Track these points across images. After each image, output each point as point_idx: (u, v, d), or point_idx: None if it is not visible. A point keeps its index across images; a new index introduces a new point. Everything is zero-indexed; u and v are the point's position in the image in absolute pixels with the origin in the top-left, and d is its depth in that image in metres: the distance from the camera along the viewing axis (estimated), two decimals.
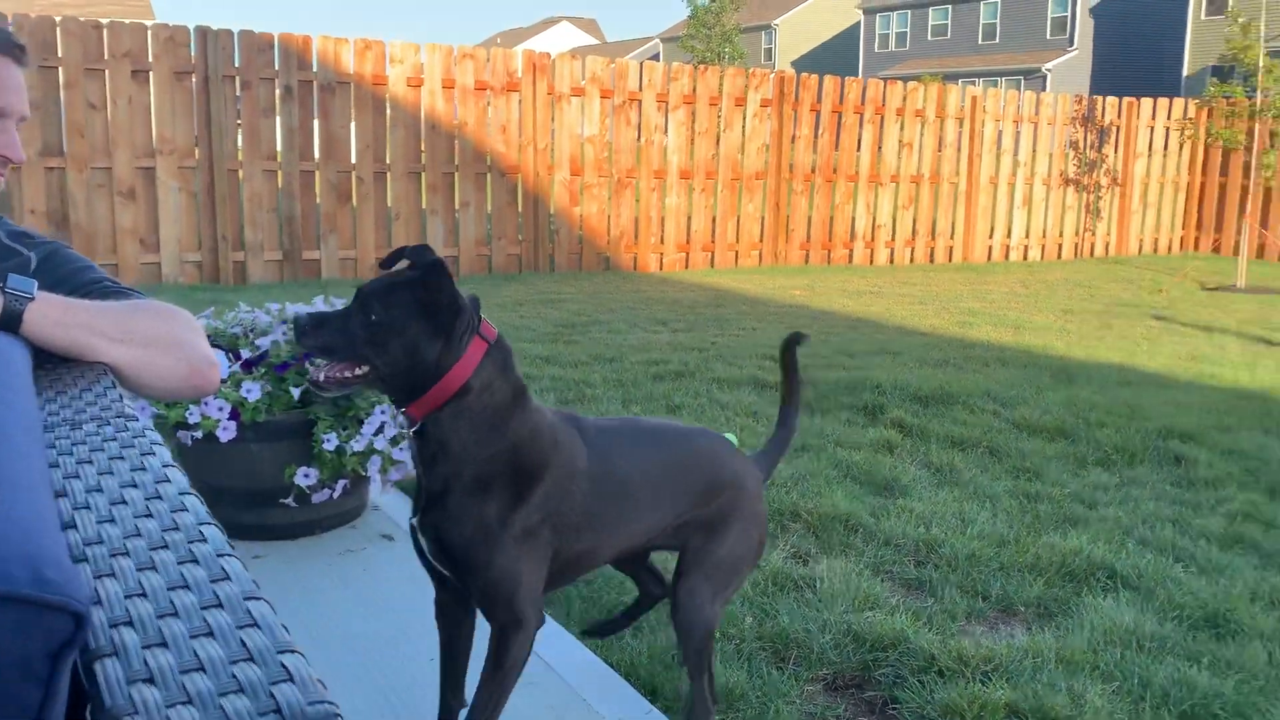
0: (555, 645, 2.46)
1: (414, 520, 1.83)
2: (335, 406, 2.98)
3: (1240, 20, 10.09)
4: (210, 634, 1.13)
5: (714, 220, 10.43)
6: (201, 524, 1.50)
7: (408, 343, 1.70)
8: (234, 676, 1.06)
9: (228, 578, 1.32)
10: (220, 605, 1.22)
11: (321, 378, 1.74)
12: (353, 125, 8.78)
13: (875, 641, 2.52)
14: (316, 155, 8.64)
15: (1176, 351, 6.53)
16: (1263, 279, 10.40)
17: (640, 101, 9.85)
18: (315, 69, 8.51)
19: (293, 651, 1.12)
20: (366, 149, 8.79)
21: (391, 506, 3.40)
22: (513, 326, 6.67)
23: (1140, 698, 2.33)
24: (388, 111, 8.83)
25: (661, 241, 10.16)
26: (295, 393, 2.94)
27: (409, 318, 1.71)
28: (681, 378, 5.32)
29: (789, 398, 2.27)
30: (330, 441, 2.92)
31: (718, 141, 10.27)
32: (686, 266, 10.26)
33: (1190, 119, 12.31)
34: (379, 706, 2.23)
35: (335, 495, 3.07)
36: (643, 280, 9.41)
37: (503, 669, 1.79)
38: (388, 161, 8.88)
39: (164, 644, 1.12)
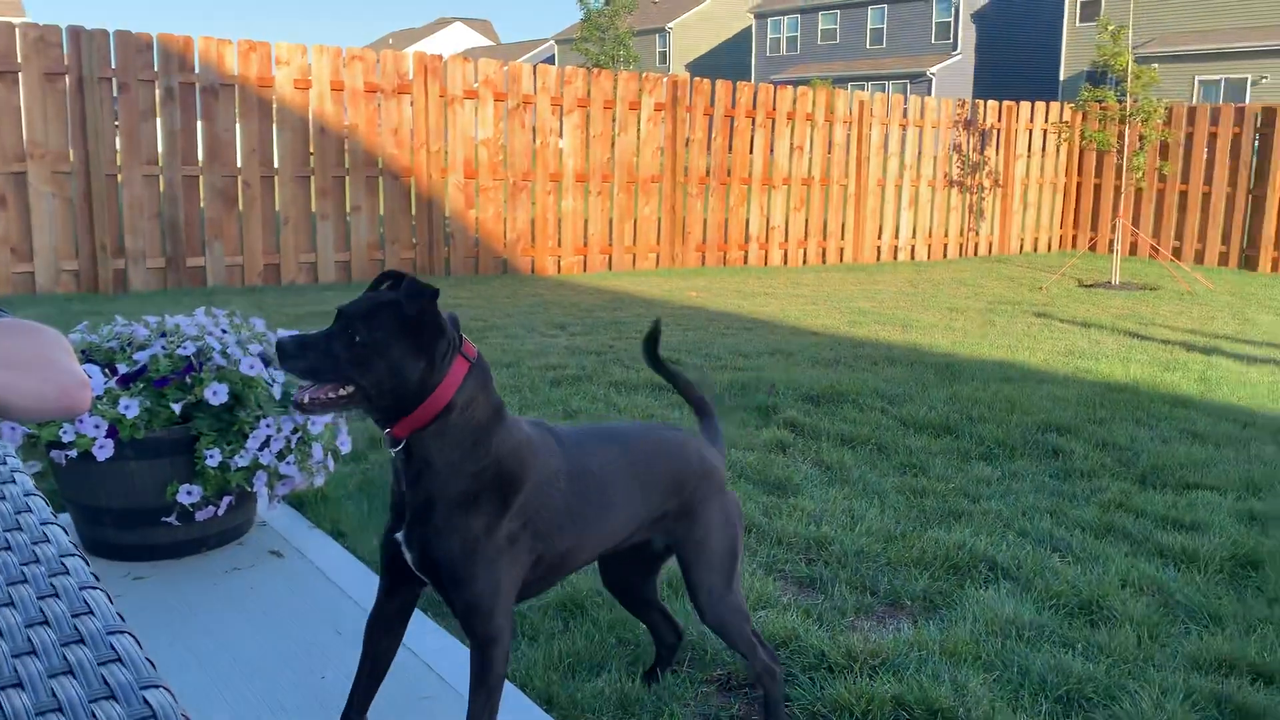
0: (452, 659, 2.44)
1: (398, 535, 1.87)
2: (219, 421, 2.90)
3: (1110, 28, 10.56)
4: (70, 672, 1.10)
5: (611, 223, 10.46)
6: (64, 555, 1.45)
7: (393, 363, 1.73)
8: (93, 717, 1.03)
9: (90, 612, 1.28)
10: (81, 641, 1.18)
11: (306, 399, 1.75)
12: (238, 128, 8.54)
13: (768, 640, 2.57)
14: (200, 159, 8.39)
15: (1055, 347, 6.81)
16: (1135, 275, 10.90)
17: (535, 104, 9.82)
18: (198, 70, 8.25)
19: (157, 687, 1.10)
20: (253, 153, 8.56)
21: (280, 522, 3.32)
22: None
23: (1019, 685, 2.42)
24: (274, 114, 8.62)
25: (559, 244, 10.15)
26: (176, 408, 2.85)
27: (393, 338, 1.74)
28: (579, 382, 5.33)
29: (684, 390, 2.33)
30: (214, 457, 2.84)
31: (613, 145, 10.30)
32: (584, 269, 10.27)
33: (1066, 122, 12.83)
34: None
35: (220, 512, 2.99)
36: (540, 283, 9.39)
37: (488, 685, 1.85)
38: (275, 165, 8.67)
39: (19, 684, 1.08)
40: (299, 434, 3.02)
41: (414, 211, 9.41)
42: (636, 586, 2.32)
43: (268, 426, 2.90)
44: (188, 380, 2.87)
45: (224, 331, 3.06)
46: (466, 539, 1.80)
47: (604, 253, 10.39)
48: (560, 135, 10.05)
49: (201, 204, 8.48)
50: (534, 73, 9.83)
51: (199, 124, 8.36)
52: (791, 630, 2.60)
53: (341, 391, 1.75)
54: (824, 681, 2.40)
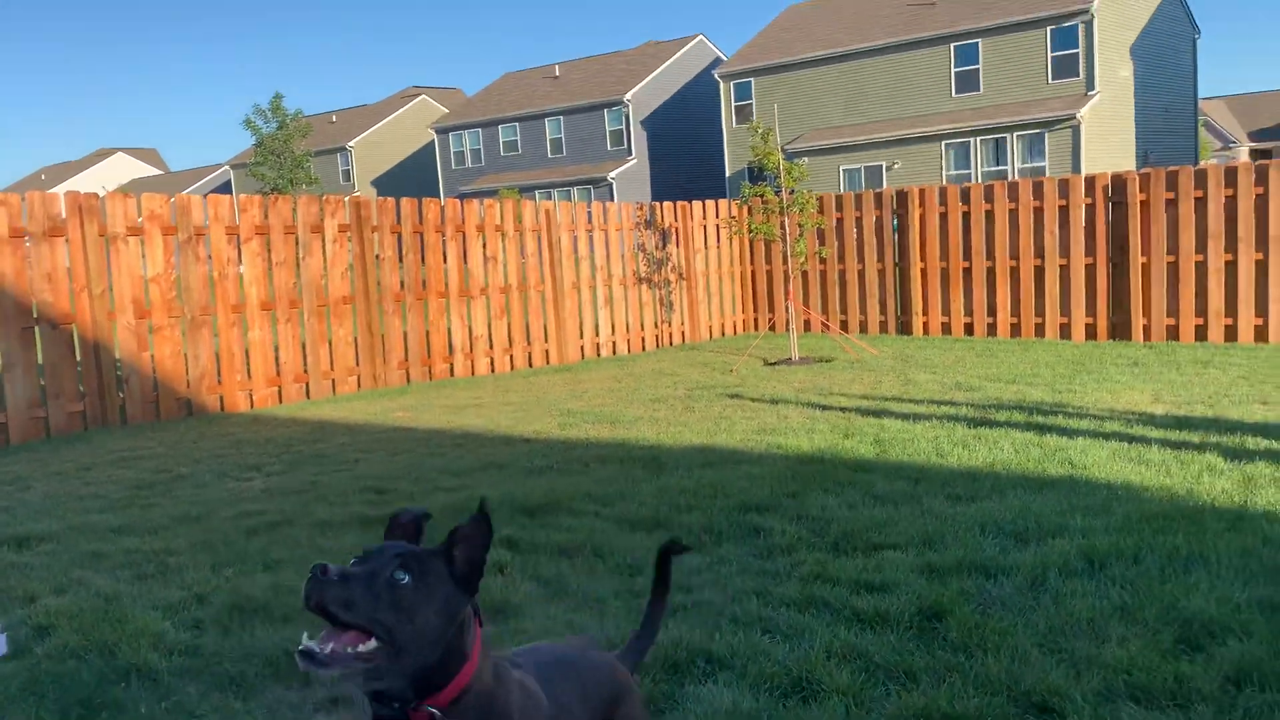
0: None
1: None
2: None
3: (760, 130, 11.59)
4: None
5: (304, 349, 10.07)
6: None
7: (439, 610, 1.55)
8: None
9: None
10: None
11: (328, 650, 1.48)
12: None
13: None
14: None
15: (749, 426, 7.21)
16: (812, 349, 11.84)
17: (209, 235, 9.36)
18: None
19: None
20: None
21: None
22: (77, 497, 5.95)
23: None
24: None
25: (249, 377, 9.63)
26: None
27: (441, 583, 1.57)
28: (279, 527, 5.01)
29: (657, 601, 2.23)
30: None
31: (298, 270, 9.99)
32: (280, 401, 9.79)
33: (734, 217, 13.87)
34: None
35: None
36: (232, 421, 8.84)
37: None
38: None
39: None
40: None
41: (80, 359, 8.62)
42: None
43: None
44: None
45: None
46: None
47: (299, 381, 9.96)
48: (239, 264, 9.62)
49: None
50: (204, 203, 9.40)
51: None
52: None
53: (366, 646, 1.50)
54: None
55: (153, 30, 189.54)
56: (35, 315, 8.35)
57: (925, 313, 12.98)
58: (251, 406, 9.58)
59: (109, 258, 8.77)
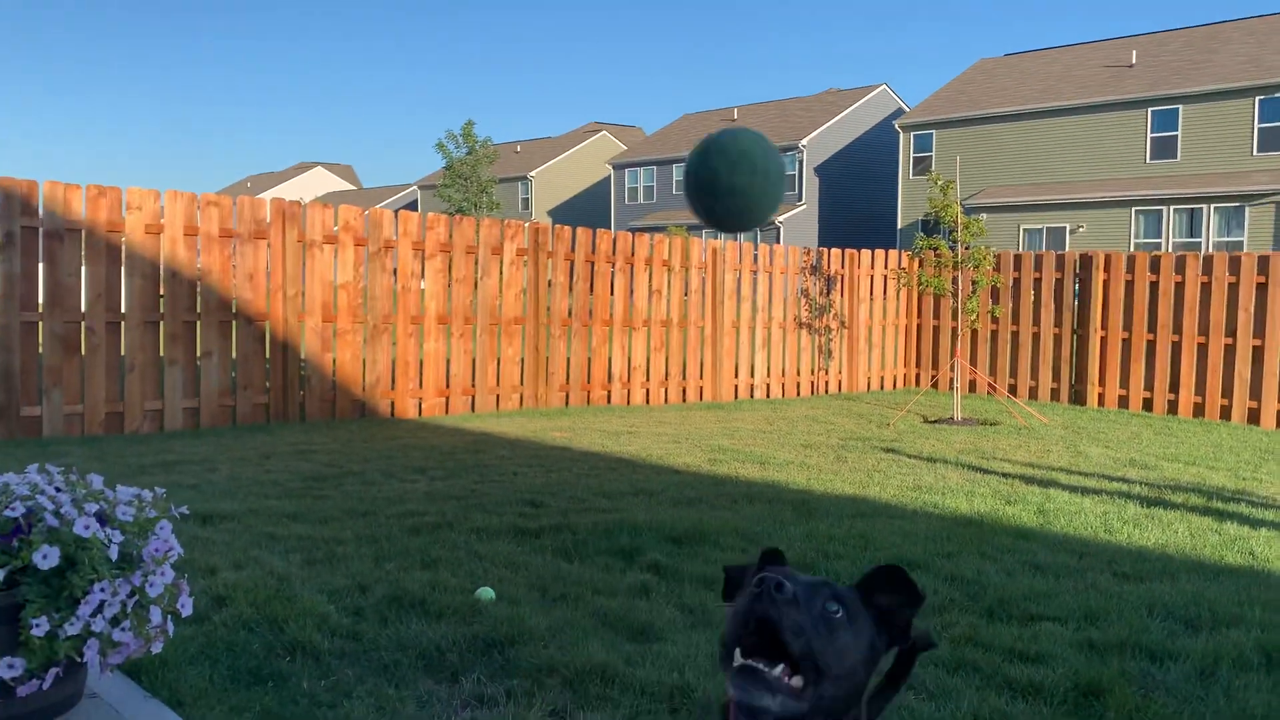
0: None
1: None
2: (47, 586, 2.72)
3: (940, 183, 11.40)
4: None
5: (474, 364, 10.47)
6: None
7: (866, 659, 1.40)
8: None
9: None
10: None
11: (776, 673, 1.35)
12: (84, 272, 8.28)
13: None
14: (40, 305, 8.06)
15: (904, 482, 7.06)
16: (975, 411, 11.49)
17: (396, 249, 9.88)
18: (41, 215, 8.02)
19: None
20: (99, 298, 8.29)
21: (113, 693, 3.10)
22: (257, 482, 6.35)
23: None
24: (124, 259, 8.40)
25: (420, 386, 10.07)
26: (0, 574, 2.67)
27: (867, 625, 1.42)
28: (439, 529, 5.22)
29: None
30: (40, 626, 2.66)
31: (476, 288, 10.41)
32: (447, 411, 10.18)
33: (904, 268, 13.65)
34: None
35: (46, 685, 2.78)
36: (400, 426, 9.25)
37: None
38: (123, 310, 8.40)
39: None
40: (136, 597, 2.86)
41: (268, 355, 9.21)
42: None
43: (102, 591, 2.74)
44: (15, 544, 2.70)
45: (58, 490, 2.91)
46: None
47: (466, 394, 10.35)
48: (422, 278, 10.10)
49: (40, 350, 8.11)
50: (396, 219, 9.92)
51: (40, 268, 8.07)
52: None
53: (794, 681, 1.35)
54: None
55: (350, 52, 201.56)
56: (234, 310, 8.98)
57: (1102, 383, 12.41)
58: (420, 414, 10.00)
59: (304, 263, 9.37)
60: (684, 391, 12.03)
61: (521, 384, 10.73)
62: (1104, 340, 12.37)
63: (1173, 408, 11.83)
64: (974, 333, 13.25)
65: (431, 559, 4.68)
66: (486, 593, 4.12)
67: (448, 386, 10.24)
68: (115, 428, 8.36)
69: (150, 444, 7.85)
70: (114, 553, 2.80)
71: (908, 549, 5.08)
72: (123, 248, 8.39)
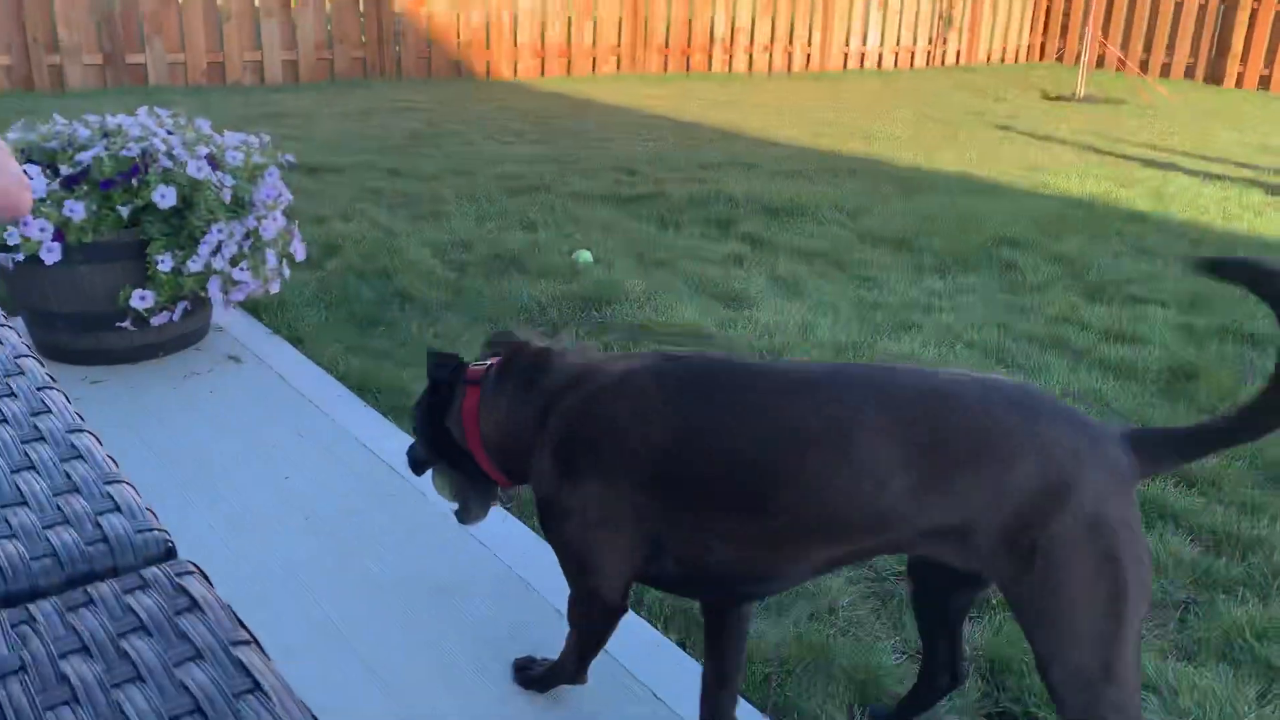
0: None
1: None
2: (168, 225, 2.84)
3: None
4: (32, 468, 1.12)
5: (570, 23, 10.05)
6: (18, 356, 1.45)
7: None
8: (58, 509, 1.06)
9: (48, 410, 1.29)
10: (42, 439, 1.20)
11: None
12: None
13: None
14: None
15: (1015, 160, 6.78)
16: (1100, 88, 10.77)
17: None
18: None
19: (119, 482, 1.12)
20: None
21: (237, 327, 3.32)
22: (360, 136, 6.40)
23: None
24: None
25: (515, 46, 9.77)
26: (123, 211, 2.78)
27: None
28: (537, 191, 5.25)
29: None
30: (165, 262, 2.81)
31: None
32: (542, 73, 9.93)
33: None
34: (233, 521, 2.25)
35: (175, 318, 2.98)
36: (497, 87, 9.09)
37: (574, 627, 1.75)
38: None
39: None
40: (251, 239, 2.98)
41: (362, 7, 8.97)
42: (932, 596, 1.66)
43: (219, 231, 2.85)
44: (134, 183, 2.79)
45: (169, 133, 2.96)
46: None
47: (562, 55, 10.03)
48: None
49: None
50: None
51: None
52: None
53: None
54: None
55: None
56: None
57: (1244, 61, 11.42)
58: (515, 75, 9.78)
59: None
60: (789, 58, 11.45)
61: (618, 46, 10.32)
62: (1254, 13, 11.23)
63: None
64: (1110, 1, 12.13)
65: (530, 220, 4.74)
66: (584, 255, 4.19)
67: (543, 48, 9.90)
68: (217, 78, 8.39)
69: (252, 95, 7.89)
70: (226, 195, 2.88)
71: (1012, 228, 4.95)
72: None
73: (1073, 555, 1.30)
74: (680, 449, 1.45)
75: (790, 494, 1.40)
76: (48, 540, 0.94)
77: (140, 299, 2.84)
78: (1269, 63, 11.26)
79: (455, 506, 1.79)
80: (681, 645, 1.96)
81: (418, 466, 1.80)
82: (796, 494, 1.39)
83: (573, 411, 1.55)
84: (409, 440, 2.58)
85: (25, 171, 2.04)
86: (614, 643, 1.76)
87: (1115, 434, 1.36)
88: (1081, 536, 1.30)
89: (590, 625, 1.68)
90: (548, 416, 1.58)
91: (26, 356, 1.32)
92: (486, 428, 1.65)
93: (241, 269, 2.93)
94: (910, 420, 1.36)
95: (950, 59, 12.72)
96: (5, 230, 2.71)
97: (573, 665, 1.74)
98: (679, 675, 1.85)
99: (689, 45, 10.72)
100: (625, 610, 1.64)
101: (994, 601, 2.09)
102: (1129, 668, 1.33)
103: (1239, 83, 11.50)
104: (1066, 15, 12.92)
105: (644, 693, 1.81)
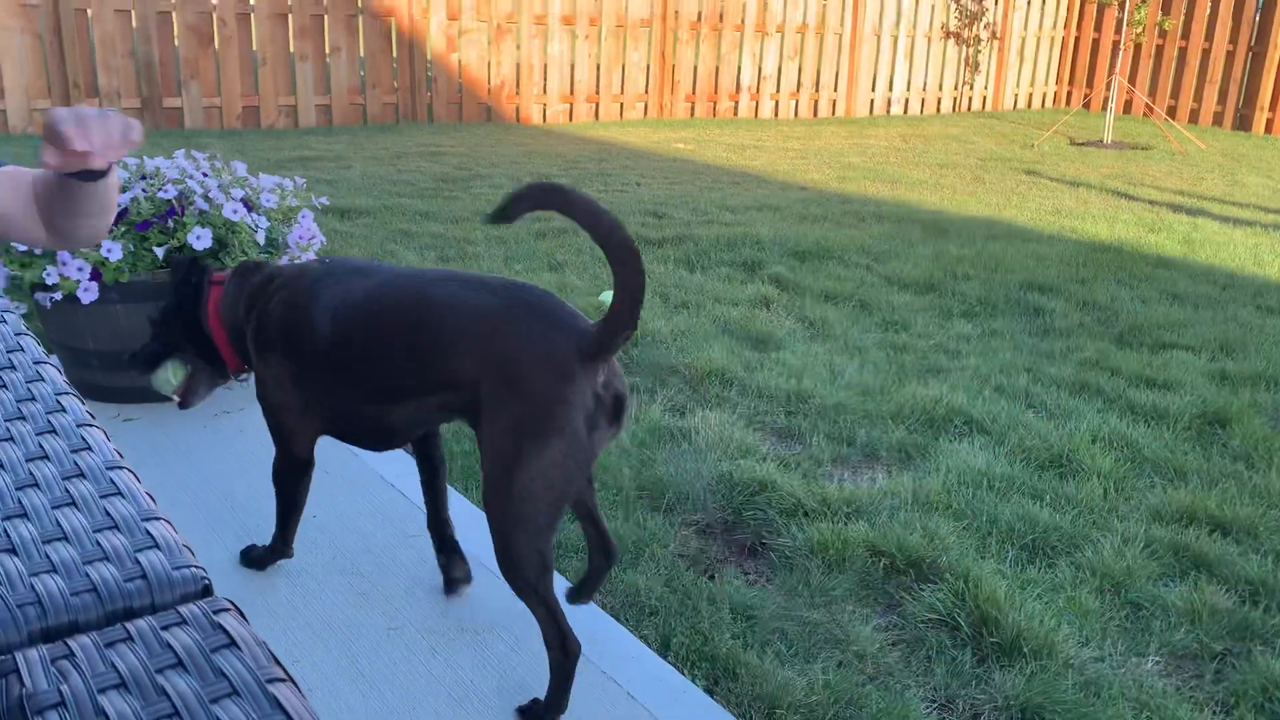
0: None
1: None
2: None
3: None
4: (73, 504, 1.14)
5: (599, 70, 10.18)
6: (59, 394, 1.47)
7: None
8: (98, 544, 1.08)
9: (88, 448, 1.31)
10: (82, 475, 1.22)
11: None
12: None
13: (745, 487, 2.65)
14: None
15: (1043, 205, 6.78)
16: (1128, 134, 10.77)
17: None
18: None
19: (157, 519, 1.13)
20: None
21: None
22: (390, 180, 6.48)
23: (988, 533, 2.52)
24: None
25: (545, 92, 9.90)
26: (159, 252, 2.83)
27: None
28: (564, 234, 5.29)
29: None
30: None
31: None
32: (570, 119, 10.05)
33: None
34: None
35: None
36: (526, 132, 9.21)
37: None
38: (251, 2, 8.35)
39: (24, 515, 1.12)
40: None
41: (395, 54, 9.13)
42: (585, 510, 2.02)
43: None
44: (170, 224, 2.84)
45: (205, 175, 3.02)
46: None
47: (590, 101, 10.15)
48: None
49: (176, 41, 8.20)
50: None
51: None
52: (769, 478, 2.68)
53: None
54: (800, 526, 2.49)
55: None
56: (359, 5, 8.83)
57: (1272, 108, 11.40)
58: (544, 120, 9.90)
59: None
60: (815, 105, 11.54)
61: (646, 92, 10.44)
62: None
63: None
64: (1137, 48, 12.16)
65: (558, 262, 4.78)
66: (609, 296, 4.21)
67: (571, 93, 10.03)
68: (252, 122, 8.54)
69: (286, 139, 8.03)
70: (261, 237, 2.92)
71: (1040, 272, 4.94)
72: None
73: (500, 411, 1.69)
74: (311, 333, 1.90)
75: (367, 366, 1.85)
76: (87, 576, 0.95)
77: None
78: None
79: (176, 398, 2.22)
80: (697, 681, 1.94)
81: (152, 360, 2.19)
82: (370, 366, 1.84)
83: (258, 303, 2.01)
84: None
85: None
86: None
87: (568, 337, 1.71)
88: (508, 399, 1.68)
89: (283, 480, 2.13)
90: (251, 309, 2.03)
91: (67, 394, 1.34)
92: (225, 317, 2.09)
93: None
94: (413, 325, 1.78)
95: (977, 104, 12.77)
96: (44, 270, 2.76)
97: (279, 537, 2.19)
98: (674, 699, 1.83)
99: (715, 92, 10.83)
100: (311, 464, 2.12)
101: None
102: (528, 495, 1.68)
103: (1268, 128, 11.48)
104: (1093, 62, 12.96)
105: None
